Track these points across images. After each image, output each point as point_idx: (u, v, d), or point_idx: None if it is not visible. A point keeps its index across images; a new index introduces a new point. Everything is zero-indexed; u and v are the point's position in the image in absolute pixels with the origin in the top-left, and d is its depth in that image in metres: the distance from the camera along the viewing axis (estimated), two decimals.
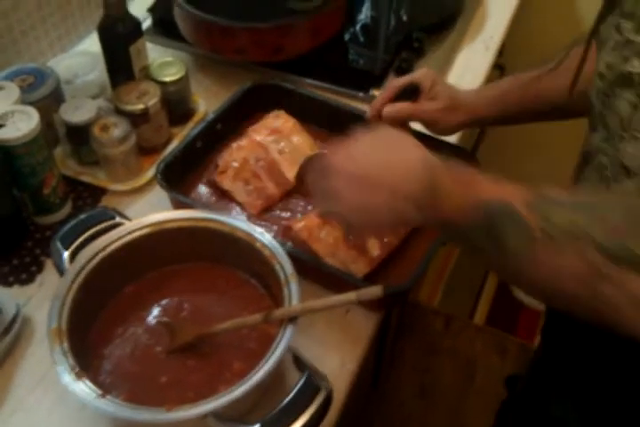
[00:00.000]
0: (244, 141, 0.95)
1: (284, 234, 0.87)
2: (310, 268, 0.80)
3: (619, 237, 0.52)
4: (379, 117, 0.88)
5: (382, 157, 0.64)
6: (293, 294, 0.68)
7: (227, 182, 0.92)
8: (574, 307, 0.57)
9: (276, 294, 0.72)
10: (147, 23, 1.19)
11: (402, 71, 1.11)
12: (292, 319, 0.66)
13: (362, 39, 1.20)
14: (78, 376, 0.62)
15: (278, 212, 0.92)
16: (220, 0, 1.09)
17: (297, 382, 0.62)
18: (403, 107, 0.87)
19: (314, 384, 0.62)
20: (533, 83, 0.86)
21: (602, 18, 0.65)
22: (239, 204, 0.92)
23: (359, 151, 0.65)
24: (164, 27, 1.18)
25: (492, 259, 0.62)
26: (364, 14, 1.24)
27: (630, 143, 0.60)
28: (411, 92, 0.87)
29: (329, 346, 0.79)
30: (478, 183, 0.60)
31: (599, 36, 0.66)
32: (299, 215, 0.91)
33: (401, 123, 0.88)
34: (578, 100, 0.75)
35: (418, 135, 0.93)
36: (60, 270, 0.72)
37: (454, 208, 0.60)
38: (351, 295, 0.68)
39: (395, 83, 0.88)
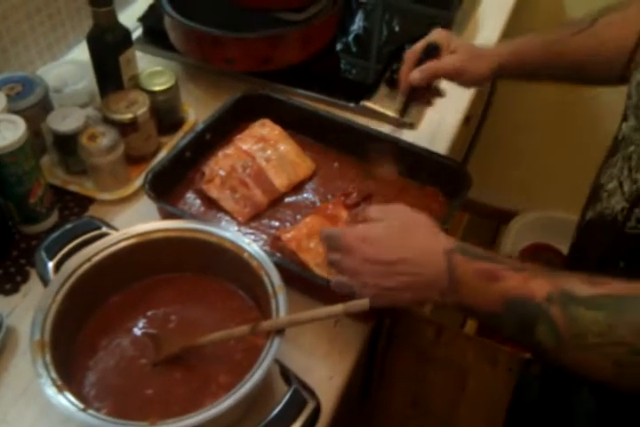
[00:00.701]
0: (230, 150, 0.95)
1: (273, 244, 0.87)
2: (298, 278, 0.79)
3: None
4: (410, 88, 0.89)
5: (401, 242, 0.66)
6: (281, 305, 0.68)
7: (214, 191, 0.92)
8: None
9: (264, 305, 0.72)
10: (137, 32, 1.19)
11: (393, 82, 1.11)
12: (280, 331, 0.66)
13: (354, 49, 1.20)
14: (61, 389, 0.61)
15: (267, 220, 0.92)
16: (210, 10, 1.09)
17: (284, 396, 0.61)
18: (426, 66, 0.87)
19: (301, 397, 0.61)
20: (557, 42, 0.87)
21: None
22: (227, 212, 0.92)
23: (376, 235, 0.67)
24: (155, 36, 1.18)
25: (516, 340, 0.63)
26: (357, 25, 1.25)
27: None
28: (432, 54, 0.88)
29: (317, 358, 0.78)
30: (500, 277, 0.60)
31: None
32: (287, 224, 0.91)
33: (429, 82, 0.89)
34: (602, 66, 0.83)
35: (413, 150, 0.94)
36: (45, 281, 0.71)
37: (476, 299, 0.62)
38: (338, 308, 0.67)
39: (413, 49, 0.89)
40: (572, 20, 0.89)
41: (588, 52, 0.84)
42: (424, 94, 0.94)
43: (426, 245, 0.66)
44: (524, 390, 1.00)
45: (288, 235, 0.85)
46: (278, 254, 0.84)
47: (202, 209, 0.93)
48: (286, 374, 0.65)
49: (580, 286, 0.57)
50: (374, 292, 0.66)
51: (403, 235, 0.67)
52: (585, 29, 0.85)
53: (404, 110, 0.97)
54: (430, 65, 0.87)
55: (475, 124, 1.67)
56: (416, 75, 0.87)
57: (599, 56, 0.84)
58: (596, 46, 0.83)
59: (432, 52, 0.88)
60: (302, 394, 0.62)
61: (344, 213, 0.90)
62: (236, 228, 0.90)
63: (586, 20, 0.85)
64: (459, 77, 0.89)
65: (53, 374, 0.62)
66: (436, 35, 0.89)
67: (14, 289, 0.84)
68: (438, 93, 0.95)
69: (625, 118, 0.71)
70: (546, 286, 0.58)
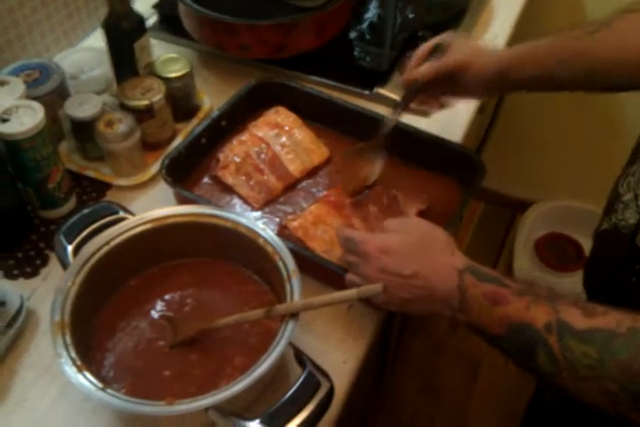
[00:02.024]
0: (244, 136, 0.96)
1: (280, 232, 0.87)
2: (312, 264, 0.80)
3: (636, 380, 0.54)
4: (412, 85, 0.87)
5: (418, 256, 0.68)
6: (295, 289, 0.68)
7: (229, 177, 0.92)
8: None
9: (278, 289, 0.73)
10: (152, 20, 1.20)
11: None
12: (294, 315, 0.67)
13: (368, 37, 1.20)
14: (80, 369, 0.62)
15: (281, 206, 0.93)
16: None
17: (298, 378, 0.62)
18: (430, 62, 0.85)
19: (315, 380, 0.62)
20: (571, 42, 0.81)
21: None
22: (242, 198, 0.93)
23: (395, 246, 0.69)
24: (169, 23, 1.18)
25: (520, 364, 0.64)
26: (371, 12, 1.25)
27: None
28: (438, 54, 0.86)
29: (330, 343, 0.79)
30: (505, 301, 0.62)
31: None
32: (301, 209, 0.91)
33: (432, 81, 0.86)
34: (623, 69, 0.77)
35: (427, 138, 0.94)
36: (64, 264, 0.73)
37: (482, 320, 0.64)
38: (352, 292, 0.68)
39: (420, 48, 0.88)
40: (584, 23, 0.82)
41: (605, 54, 0.78)
42: (426, 100, 0.93)
43: (441, 261, 0.68)
44: (543, 388, 1.00)
45: (294, 223, 0.86)
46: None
47: (217, 195, 0.93)
48: (300, 358, 0.66)
49: (576, 316, 0.58)
50: (388, 299, 0.69)
51: (420, 249, 0.69)
52: (600, 30, 0.79)
53: (402, 108, 0.91)
54: (433, 64, 0.85)
55: (490, 113, 1.67)
56: (419, 70, 0.85)
57: (620, 57, 0.78)
58: (617, 47, 0.77)
59: (438, 53, 0.86)
60: (316, 376, 0.62)
61: (348, 200, 0.91)
62: (250, 213, 0.91)
63: (600, 22, 0.80)
64: (462, 74, 0.84)
65: (73, 354, 0.63)
66: (445, 36, 0.88)
67: (34, 272, 0.85)
68: (439, 103, 0.93)
69: None
70: (545, 313, 0.60)
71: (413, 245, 0.69)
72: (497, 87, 0.88)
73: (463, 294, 0.65)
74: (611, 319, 0.57)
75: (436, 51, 0.87)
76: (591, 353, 0.56)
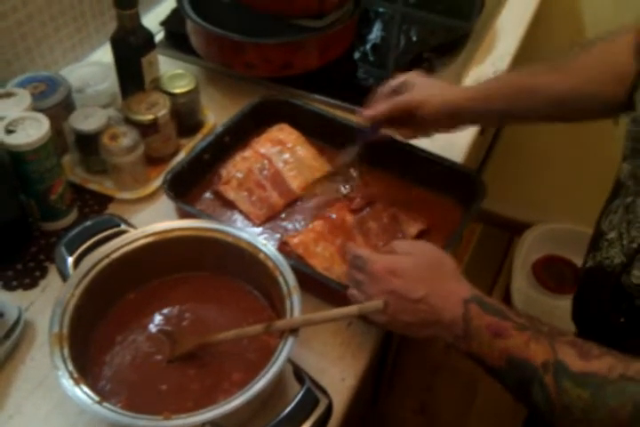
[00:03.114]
0: (247, 153, 0.96)
1: (280, 248, 0.86)
2: (312, 281, 0.80)
3: None
4: (372, 121, 0.89)
5: (426, 280, 0.68)
6: (295, 305, 0.68)
7: (231, 192, 0.93)
8: None
9: (278, 305, 0.72)
10: (159, 36, 1.21)
11: None
12: (294, 331, 0.66)
13: (371, 58, 1.21)
14: (77, 382, 0.62)
15: (281, 222, 0.93)
16: (232, 15, 1.10)
17: (297, 394, 0.62)
18: (386, 102, 0.87)
19: (313, 396, 0.62)
20: (528, 79, 0.84)
21: None
22: (243, 213, 0.93)
23: (404, 269, 0.69)
24: (176, 40, 1.19)
25: (517, 397, 0.65)
26: (374, 34, 1.26)
27: None
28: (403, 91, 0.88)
29: (329, 360, 0.79)
30: (506, 334, 0.63)
31: None
32: (302, 226, 0.92)
33: (389, 114, 0.88)
34: (580, 102, 0.79)
35: (428, 157, 0.95)
36: (64, 276, 0.72)
37: (482, 350, 0.65)
38: (353, 308, 0.68)
39: (386, 85, 0.89)
40: (552, 56, 0.84)
41: (558, 92, 0.80)
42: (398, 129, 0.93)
43: (448, 289, 0.68)
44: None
45: (295, 240, 0.86)
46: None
47: (218, 210, 0.94)
48: (299, 374, 0.66)
49: (573, 358, 0.59)
50: (391, 321, 0.69)
51: (429, 274, 0.69)
52: (559, 66, 0.82)
53: (362, 142, 0.93)
54: (388, 102, 0.87)
55: (490, 135, 1.68)
56: (377, 107, 0.87)
57: (571, 95, 0.80)
58: (570, 84, 0.79)
59: (403, 90, 0.88)
60: (315, 393, 0.62)
61: (349, 218, 0.91)
62: (251, 229, 0.91)
63: (567, 54, 0.83)
64: (419, 112, 0.86)
65: (70, 367, 0.63)
66: (412, 74, 0.89)
67: (33, 284, 0.85)
68: (411, 134, 0.93)
69: (624, 158, 0.71)
70: (544, 351, 0.60)
71: (423, 270, 0.69)
72: (451, 124, 0.89)
73: (467, 324, 0.65)
74: (605, 364, 0.58)
75: (402, 88, 0.88)
76: (585, 397, 0.57)
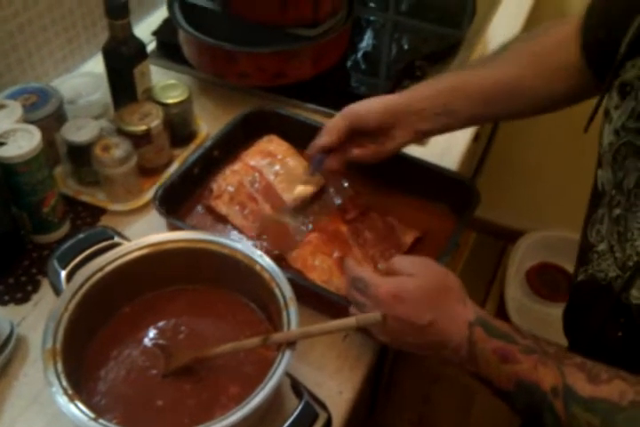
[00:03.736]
0: (237, 166, 0.95)
1: (277, 264, 0.85)
2: (309, 293, 0.79)
3: None
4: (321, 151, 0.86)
5: (432, 305, 0.66)
6: (292, 318, 0.67)
7: (222, 207, 0.92)
8: None
9: (275, 318, 0.72)
10: (151, 46, 1.20)
11: None
12: (291, 344, 0.66)
13: (363, 67, 1.21)
14: (72, 398, 0.60)
15: None
16: (224, 25, 1.10)
17: (295, 408, 0.61)
18: (328, 131, 0.84)
19: (312, 411, 0.61)
20: (464, 75, 0.84)
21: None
22: (236, 227, 0.92)
23: (409, 294, 0.67)
24: (168, 50, 1.19)
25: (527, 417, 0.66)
26: (366, 42, 1.26)
27: None
28: None
29: (326, 373, 0.78)
30: (514, 359, 0.62)
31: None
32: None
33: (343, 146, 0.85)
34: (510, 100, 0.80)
35: (422, 165, 0.94)
36: (57, 290, 0.71)
37: (490, 374, 0.64)
38: (351, 320, 0.67)
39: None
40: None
41: (496, 79, 0.80)
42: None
43: (454, 313, 0.67)
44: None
45: (292, 254, 0.85)
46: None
47: (211, 224, 0.92)
48: (297, 388, 0.65)
49: (581, 382, 0.59)
50: (394, 341, 0.69)
51: (435, 298, 0.67)
52: (486, 61, 0.83)
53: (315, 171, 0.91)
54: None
55: (483, 143, 1.68)
56: (322, 138, 0.85)
57: (499, 87, 0.80)
58: (496, 78, 0.80)
59: None
60: (314, 407, 0.61)
61: (344, 228, 0.90)
62: (245, 241, 0.90)
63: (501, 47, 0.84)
64: (362, 121, 0.83)
65: (65, 383, 0.61)
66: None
67: (25, 298, 0.84)
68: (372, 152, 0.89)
69: (599, 165, 0.70)
70: (552, 376, 0.60)
71: (429, 294, 0.67)
72: (406, 135, 0.85)
73: (472, 347, 0.64)
74: (615, 389, 0.57)
75: None
76: (596, 423, 0.56)
